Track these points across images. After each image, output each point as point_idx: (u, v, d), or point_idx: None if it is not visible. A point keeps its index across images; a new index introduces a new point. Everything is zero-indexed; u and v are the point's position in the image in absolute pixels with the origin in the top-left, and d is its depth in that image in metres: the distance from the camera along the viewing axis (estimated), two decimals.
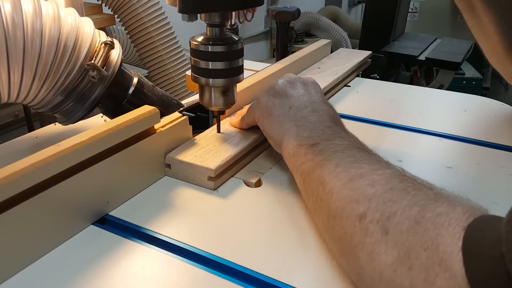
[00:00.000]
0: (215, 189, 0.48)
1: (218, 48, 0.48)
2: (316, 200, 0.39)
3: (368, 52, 0.93)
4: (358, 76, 0.89)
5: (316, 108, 0.47)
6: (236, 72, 0.50)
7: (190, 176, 0.48)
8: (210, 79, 0.50)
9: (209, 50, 0.48)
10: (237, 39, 0.49)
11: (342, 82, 0.82)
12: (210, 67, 0.49)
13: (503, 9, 0.57)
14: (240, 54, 0.50)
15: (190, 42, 0.49)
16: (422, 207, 0.30)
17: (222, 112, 0.55)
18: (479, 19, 0.59)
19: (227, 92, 0.52)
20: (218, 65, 0.49)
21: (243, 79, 0.53)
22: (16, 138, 0.61)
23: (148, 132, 0.47)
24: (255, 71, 0.75)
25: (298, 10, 0.85)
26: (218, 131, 0.55)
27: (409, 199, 0.31)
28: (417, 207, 0.30)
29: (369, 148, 0.42)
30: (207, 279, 0.36)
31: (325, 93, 0.75)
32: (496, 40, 0.59)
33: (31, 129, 1.10)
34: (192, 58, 0.49)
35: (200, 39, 0.49)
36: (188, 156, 0.49)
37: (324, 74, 0.79)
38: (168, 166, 0.49)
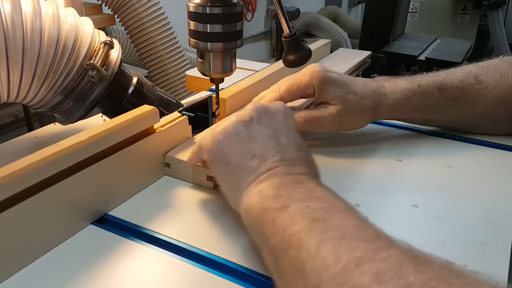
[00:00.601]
0: (214, 188, 0.48)
1: (216, 10, 0.47)
2: None
3: (368, 52, 0.93)
4: (358, 75, 0.89)
5: (285, 156, 0.37)
6: (235, 36, 0.49)
7: (189, 175, 0.48)
8: (209, 43, 0.49)
9: (207, 12, 0.47)
10: (236, 1, 0.48)
11: None
12: (208, 30, 0.48)
13: None
14: (239, 17, 0.49)
15: (188, 5, 0.48)
16: None
17: (221, 80, 0.54)
18: None
19: (226, 58, 0.51)
20: (217, 28, 0.48)
21: (242, 45, 0.51)
22: (16, 138, 0.61)
23: (148, 132, 0.47)
24: (255, 71, 0.75)
25: (298, 10, 0.85)
26: (217, 108, 0.55)
27: None
28: None
29: (353, 208, 0.33)
30: (206, 279, 0.36)
31: None
32: None
33: (30, 129, 1.10)
34: (190, 21, 0.49)
35: (198, 1, 0.48)
36: (188, 155, 0.49)
37: None
38: (167, 165, 0.49)
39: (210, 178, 0.47)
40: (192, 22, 0.48)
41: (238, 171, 0.37)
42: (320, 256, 0.27)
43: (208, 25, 0.48)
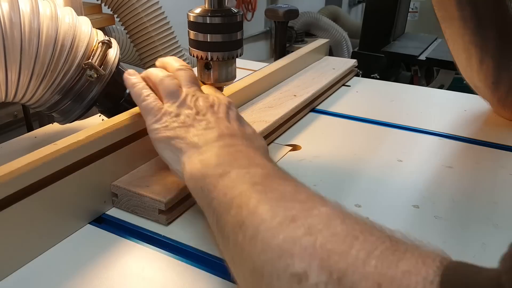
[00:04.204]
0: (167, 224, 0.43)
1: (217, 20, 0.47)
2: (235, 249, 0.30)
3: (353, 61, 0.88)
4: (358, 75, 0.89)
5: (222, 129, 0.40)
6: (235, 46, 0.49)
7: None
8: (209, 53, 0.48)
9: (208, 22, 0.47)
10: (236, 11, 0.48)
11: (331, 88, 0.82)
12: (208, 40, 0.48)
13: (480, 20, 0.58)
14: (239, 26, 0.49)
15: (188, 15, 0.48)
16: (380, 260, 0.23)
17: (220, 89, 0.53)
18: (458, 31, 0.60)
19: (226, 67, 0.51)
20: (217, 38, 0.48)
21: (242, 53, 0.51)
22: (15, 138, 0.60)
23: (145, 132, 0.47)
24: (253, 70, 0.75)
25: (291, 11, 0.84)
26: None
27: (359, 248, 0.25)
28: (373, 259, 0.24)
29: (290, 176, 0.35)
30: (206, 279, 0.36)
31: (324, 92, 0.75)
32: (472, 52, 0.60)
33: (30, 129, 1.10)
34: (190, 31, 0.49)
35: (198, 11, 0.48)
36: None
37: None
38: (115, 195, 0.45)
39: (162, 212, 0.42)
40: (192, 31, 0.48)
41: (177, 142, 0.39)
42: (258, 212, 0.29)
43: (208, 35, 0.48)
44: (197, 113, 0.41)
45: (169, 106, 0.41)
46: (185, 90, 0.43)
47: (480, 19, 0.58)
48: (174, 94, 0.42)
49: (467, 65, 0.64)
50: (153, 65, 1.67)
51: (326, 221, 0.27)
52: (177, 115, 0.41)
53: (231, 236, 0.31)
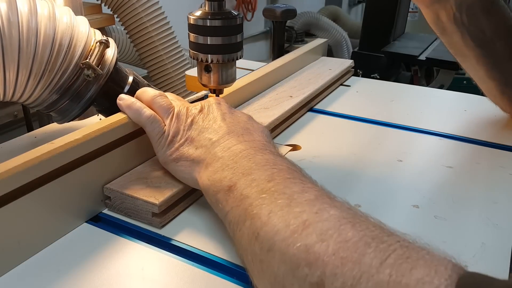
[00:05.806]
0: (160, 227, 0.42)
1: (217, 23, 0.47)
2: (254, 262, 0.31)
3: (350, 61, 0.88)
4: (358, 75, 0.89)
5: (219, 132, 0.41)
6: (235, 48, 0.49)
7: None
8: (209, 55, 0.49)
9: (208, 25, 0.47)
10: (236, 14, 0.48)
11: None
12: (208, 43, 0.48)
13: (494, 58, 0.57)
14: (239, 29, 0.49)
15: (188, 18, 0.48)
16: (394, 268, 0.24)
17: (220, 91, 0.54)
18: (473, 66, 0.60)
19: (227, 69, 0.51)
20: (217, 40, 0.48)
21: (242, 56, 0.51)
22: (15, 138, 0.60)
23: (143, 130, 0.47)
24: (251, 70, 0.75)
25: (289, 11, 0.83)
26: None
27: (372, 256, 0.25)
28: (387, 268, 0.24)
29: (292, 165, 0.36)
30: (206, 279, 0.36)
31: (320, 93, 0.75)
32: (491, 84, 0.60)
33: (30, 129, 1.10)
34: (190, 34, 0.49)
35: (198, 13, 0.48)
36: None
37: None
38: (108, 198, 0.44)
39: (155, 215, 0.41)
40: (192, 34, 0.48)
41: (187, 164, 0.42)
42: (270, 222, 0.30)
43: (208, 37, 0.48)
44: (191, 123, 0.43)
45: (168, 125, 0.43)
46: (175, 104, 0.45)
47: (493, 56, 0.57)
48: (168, 110, 0.44)
49: (489, 93, 0.64)
50: (153, 65, 1.66)
51: (337, 226, 0.28)
52: (176, 133, 0.43)
53: (249, 248, 0.31)
